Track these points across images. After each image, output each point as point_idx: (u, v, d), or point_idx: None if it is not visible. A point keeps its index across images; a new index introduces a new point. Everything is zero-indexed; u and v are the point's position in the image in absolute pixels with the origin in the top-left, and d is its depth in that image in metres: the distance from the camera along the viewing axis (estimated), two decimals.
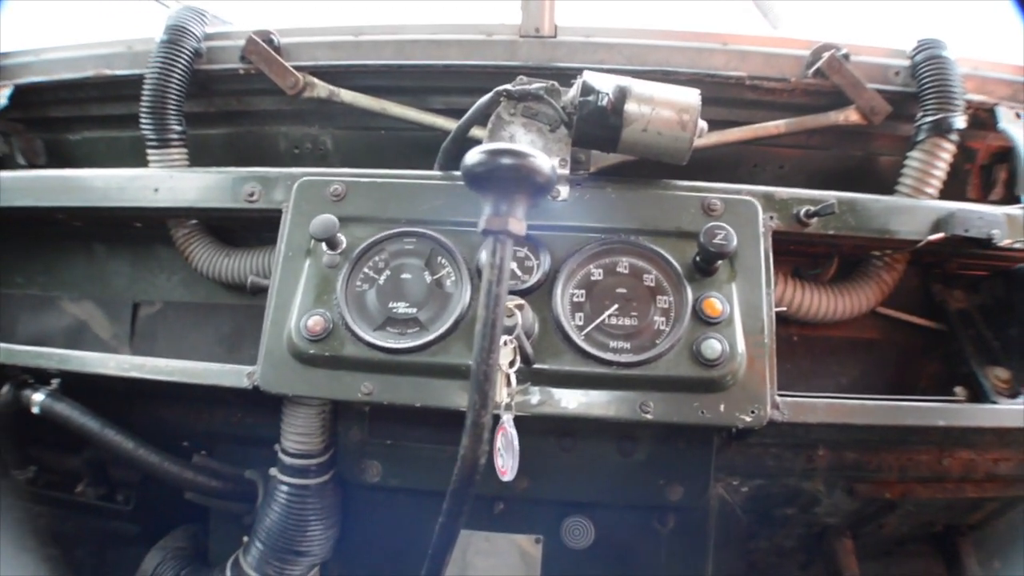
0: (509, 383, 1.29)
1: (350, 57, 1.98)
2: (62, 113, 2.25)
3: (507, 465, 1.32)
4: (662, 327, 1.45)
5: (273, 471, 1.72)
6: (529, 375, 1.42)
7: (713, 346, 1.39)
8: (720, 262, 1.47)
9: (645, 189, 1.59)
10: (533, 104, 1.61)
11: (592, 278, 1.50)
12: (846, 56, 1.84)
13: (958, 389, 1.72)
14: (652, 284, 1.48)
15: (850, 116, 1.86)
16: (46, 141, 2.33)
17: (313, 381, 1.48)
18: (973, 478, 1.85)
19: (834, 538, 2.10)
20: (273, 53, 1.94)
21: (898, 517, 2.01)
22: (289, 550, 1.69)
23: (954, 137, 1.75)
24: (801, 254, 1.82)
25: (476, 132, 1.73)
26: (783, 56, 1.89)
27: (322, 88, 1.95)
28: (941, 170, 1.76)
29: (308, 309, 1.49)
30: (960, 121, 1.74)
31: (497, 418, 1.31)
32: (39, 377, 1.77)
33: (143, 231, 2.07)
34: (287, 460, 1.68)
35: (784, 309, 1.74)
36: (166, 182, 1.78)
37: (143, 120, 1.88)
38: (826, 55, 1.83)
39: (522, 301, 1.37)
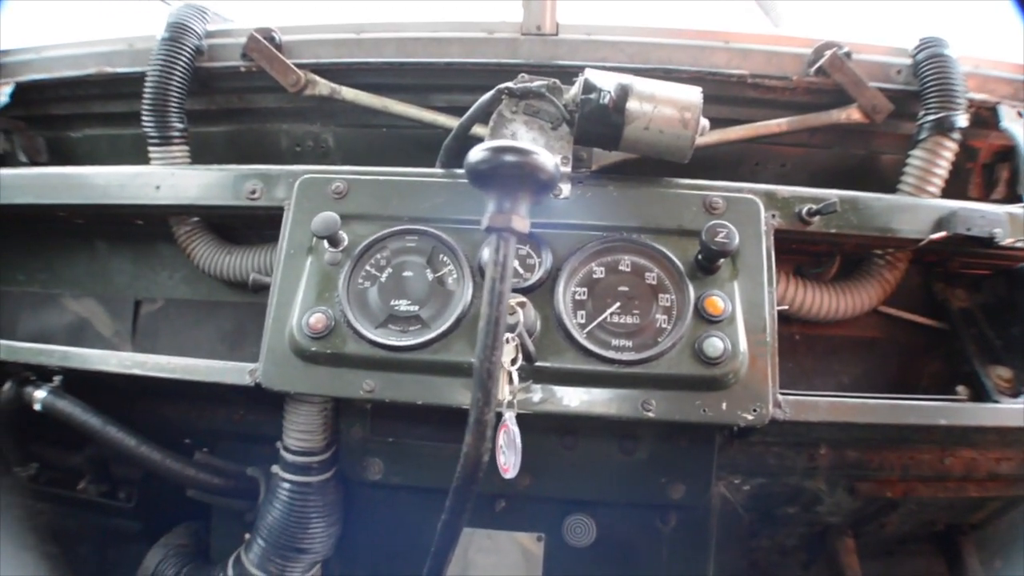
0: (511, 381, 1.28)
1: (352, 55, 1.97)
2: (64, 111, 2.25)
3: (510, 462, 1.32)
4: (664, 325, 1.45)
5: (275, 468, 1.72)
6: (531, 373, 1.42)
7: (715, 344, 1.39)
8: (722, 260, 1.47)
9: (647, 187, 1.59)
10: (535, 102, 1.61)
11: (594, 276, 1.50)
12: (848, 54, 1.84)
13: (960, 388, 1.72)
14: (654, 282, 1.48)
15: (852, 114, 1.85)
16: (48, 139, 2.33)
17: (315, 378, 1.48)
18: (975, 477, 1.85)
19: (836, 537, 2.10)
20: (274, 51, 1.94)
21: (900, 516, 2.01)
22: (291, 547, 1.70)
23: (956, 136, 1.75)
24: (803, 253, 1.82)
25: (478, 130, 1.73)
26: (785, 54, 1.89)
27: (324, 86, 1.95)
28: (943, 169, 1.75)
29: (310, 306, 1.49)
30: (962, 120, 1.74)
31: (499, 416, 1.31)
32: (41, 374, 1.77)
33: (145, 228, 2.07)
34: (289, 457, 1.68)
35: (786, 308, 1.74)
36: (168, 180, 1.78)
37: (145, 118, 1.88)
38: (828, 53, 1.83)
39: (524, 299, 1.37)
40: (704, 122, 1.51)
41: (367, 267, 1.52)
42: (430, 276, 1.51)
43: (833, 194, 1.59)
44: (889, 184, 1.82)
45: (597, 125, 1.50)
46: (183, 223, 1.94)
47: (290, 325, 1.49)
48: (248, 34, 1.94)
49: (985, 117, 1.87)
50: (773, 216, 1.57)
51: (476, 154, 1.00)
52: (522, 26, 1.93)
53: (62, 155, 2.33)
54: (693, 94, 1.49)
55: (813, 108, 1.89)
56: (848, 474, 1.86)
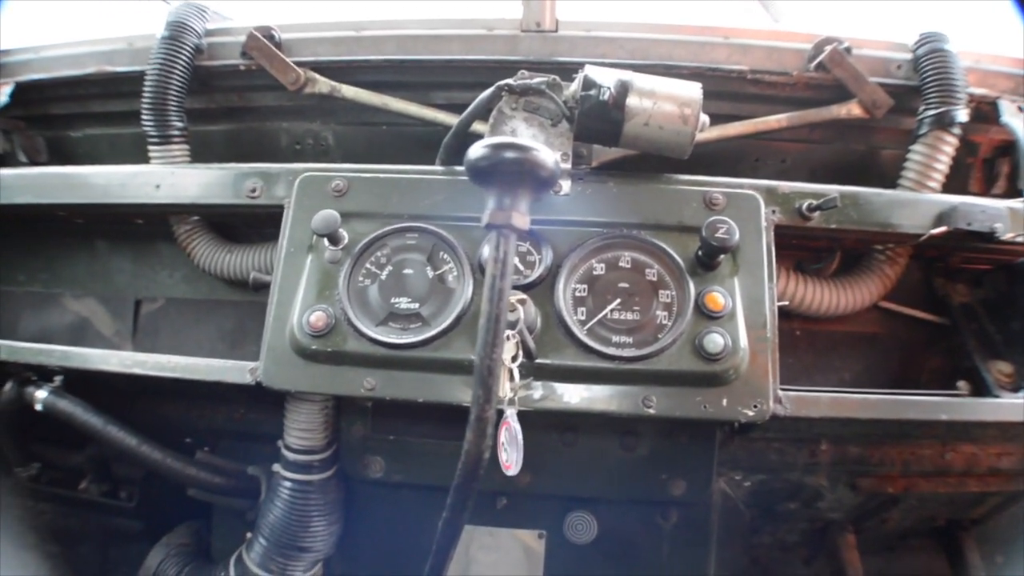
0: (512, 378, 1.28)
1: (351, 53, 1.97)
2: (63, 110, 2.25)
3: (512, 459, 1.32)
4: (664, 321, 1.45)
5: (276, 467, 1.72)
6: (531, 370, 1.42)
7: (715, 340, 1.39)
8: (722, 256, 1.46)
9: (647, 183, 1.58)
10: (535, 99, 1.61)
11: (594, 273, 1.49)
12: (848, 50, 1.83)
13: (961, 383, 1.71)
14: (654, 278, 1.48)
15: (852, 110, 1.85)
16: (47, 138, 2.33)
17: (316, 377, 1.48)
18: (976, 472, 1.85)
19: (837, 533, 2.10)
20: (274, 49, 1.93)
21: (901, 512, 2.01)
22: (292, 546, 1.70)
23: (956, 131, 1.74)
24: (803, 248, 1.82)
25: (478, 127, 1.72)
26: (785, 50, 1.89)
27: (323, 84, 1.95)
28: (943, 164, 1.75)
29: (310, 305, 1.49)
30: (962, 115, 1.74)
31: (501, 413, 1.30)
32: (42, 374, 1.77)
33: (145, 228, 2.07)
34: (290, 456, 1.69)
35: (786, 303, 1.74)
36: (167, 179, 1.78)
37: (144, 117, 1.88)
38: (828, 49, 1.82)
39: (524, 296, 1.37)
40: (704, 118, 1.51)
41: (367, 265, 1.52)
42: (430, 274, 1.51)
43: (833, 190, 1.59)
44: (889, 179, 1.82)
45: (597, 121, 1.50)
46: (183, 222, 1.94)
47: (291, 323, 1.49)
48: (247, 32, 1.94)
49: (985, 112, 1.87)
50: (773, 212, 1.57)
51: (476, 151, 0.99)
52: (522, 23, 1.92)
53: (62, 155, 2.33)
54: (693, 90, 1.49)
55: (813, 104, 1.89)
56: (849, 470, 1.86)
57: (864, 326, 1.95)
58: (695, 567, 1.83)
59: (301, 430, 1.67)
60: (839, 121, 1.87)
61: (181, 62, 1.89)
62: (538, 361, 1.41)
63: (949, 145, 1.75)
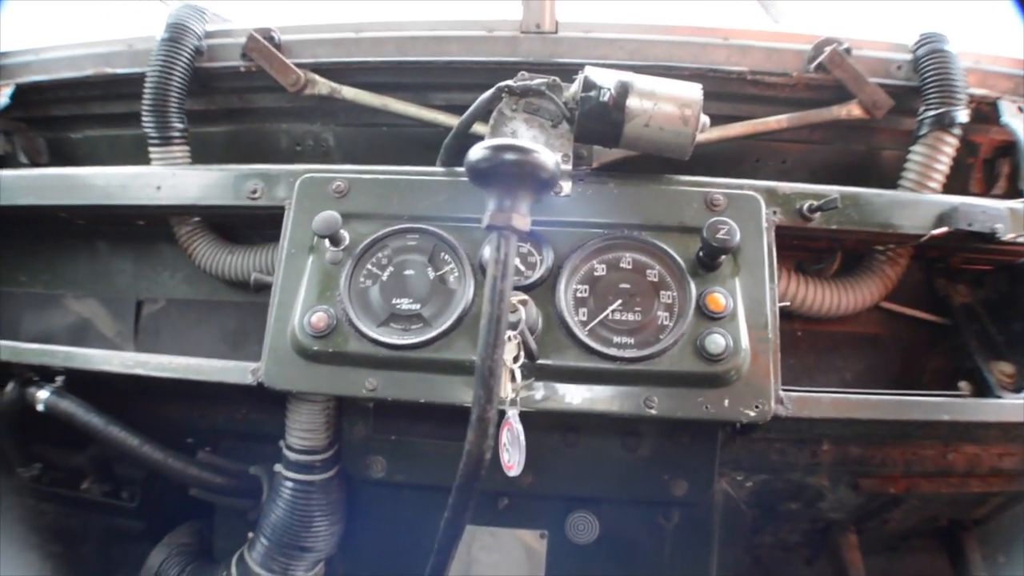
0: (513, 378, 1.29)
1: (351, 54, 1.97)
2: (64, 112, 2.25)
3: (514, 460, 1.32)
4: (665, 322, 1.45)
5: (278, 467, 1.73)
6: (533, 371, 1.42)
7: (717, 341, 1.39)
8: (723, 257, 1.46)
9: (647, 184, 1.59)
10: (535, 100, 1.61)
11: (595, 273, 1.50)
12: (848, 50, 1.83)
13: (962, 384, 1.72)
14: (655, 279, 1.48)
15: (852, 110, 1.85)
16: (48, 140, 2.34)
17: (317, 377, 1.48)
18: (977, 473, 1.85)
19: (839, 533, 2.11)
20: (274, 50, 1.94)
21: (903, 512, 2.01)
22: (294, 546, 1.70)
23: (957, 131, 1.74)
24: (804, 249, 1.82)
25: (478, 128, 1.73)
26: (785, 51, 1.89)
27: (323, 85, 1.95)
28: (944, 164, 1.75)
29: (312, 305, 1.49)
30: (963, 115, 1.74)
31: (502, 413, 1.31)
32: (43, 375, 1.78)
33: (146, 229, 2.08)
34: (292, 456, 1.69)
35: (787, 304, 1.74)
36: (168, 180, 1.78)
37: (145, 118, 1.88)
38: (828, 49, 1.82)
39: (525, 297, 1.37)
40: (704, 119, 1.51)
41: (368, 266, 1.52)
42: (431, 274, 1.51)
43: (834, 190, 1.59)
44: (890, 180, 1.82)
45: (597, 122, 1.50)
46: (184, 223, 1.94)
47: (292, 324, 1.49)
48: (247, 34, 1.94)
49: (986, 112, 1.87)
50: (774, 212, 1.57)
51: (476, 152, 0.99)
52: (522, 24, 1.93)
53: (63, 156, 2.33)
54: (693, 91, 1.49)
55: (813, 104, 1.89)
56: (851, 470, 1.86)
57: (865, 327, 1.95)
58: (697, 567, 1.83)
59: (303, 430, 1.68)
60: (839, 122, 1.87)
61: (181, 64, 1.89)
62: (540, 362, 1.42)
63: (949, 146, 1.75)
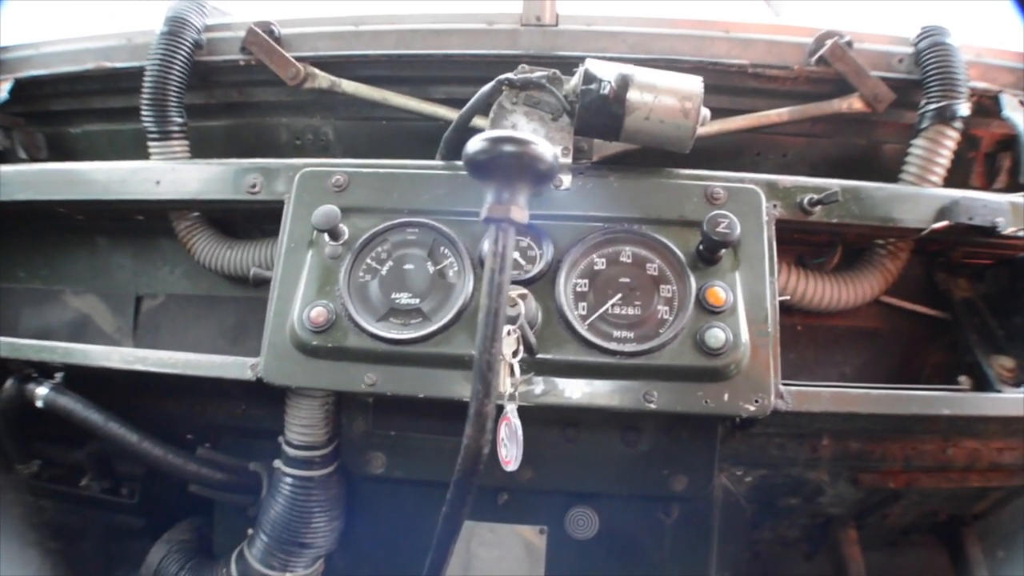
0: (512, 373, 1.28)
1: (351, 47, 1.96)
2: (63, 106, 2.25)
3: (511, 455, 1.31)
4: (665, 316, 1.44)
5: (277, 463, 1.73)
6: (533, 365, 1.41)
7: (717, 335, 1.39)
8: (723, 251, 1.46)
9: (648, 178, 1.58)
10: (535, 93, 1.60)
11: (595, 267, 1.49)
12: (849, 43, 1.83)
13: (962, 378, 1.71)
14: (655, 273, 1.48)
15: (853, 104, 1.84)
16: (47, 135, 2.33)
17: (316, 372, 1.48)
18: (977, 467, 1.85)
19: (838, 528, 2.10)
20: (273, 44, 1.93)
21: (902, 507, 2.01)
22: (294, 542, 1.70)
23: (958, 125, 1.74)
24: (804, 243, 1.81)
25: (478, 122, 1.72)
26: (786, 44, 1.88)
27: (323, 79, 1.94)
28: (945, 158, 1.74)
29: (311, 300, 1.49)
30: (964, 109, 1.73)
31: (501, 408, 1.30)
32: (43, 371, 1.78)
33: (145, 224, 2.07)
34: (291, 452, 1.69)
35: (788, 298, 1.73)
36: (168, 174, 1.78)
37: (144, 112, 1.88)
38: (829, 43, 1.82)
39: (525, 291, 1.36)
40: (705, 112, 1.50)
41: (368, 260, 1.52)
42: (431, 269, 1.50)
43: (835, 184, 1.59)
44: (891, 174, 1.81)
45: (598, 115, 1.49)
46: (183, 218, 1.94)
47: (291, 319, 1.49)
48: (247, 28, 1.93)
49: (987, 106, 1.86)
50: (774, 206, 1.57)
51: (474, 145, 0.99)
52: (522, 17, 1.92)
53: (62, 151, 2.33)
54: (694, 84, 1.48)
55: (814, 98, 1.88)
56: (850, 465, 1.86)
57: (865, 321, 1.95)
58: (696, 562, 1.84)
59: (302, 426, 1.67)
60: (840, 115, 1.87)
61: (180, 58, 1.88)
62: (539, 356, 1.41)
63: (950, 139, 1.74)
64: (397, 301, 1.48)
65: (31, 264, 2.23)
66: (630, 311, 1.45)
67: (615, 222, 1.52)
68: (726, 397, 1.40)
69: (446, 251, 1.52)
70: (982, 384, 1.70)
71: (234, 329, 2.11)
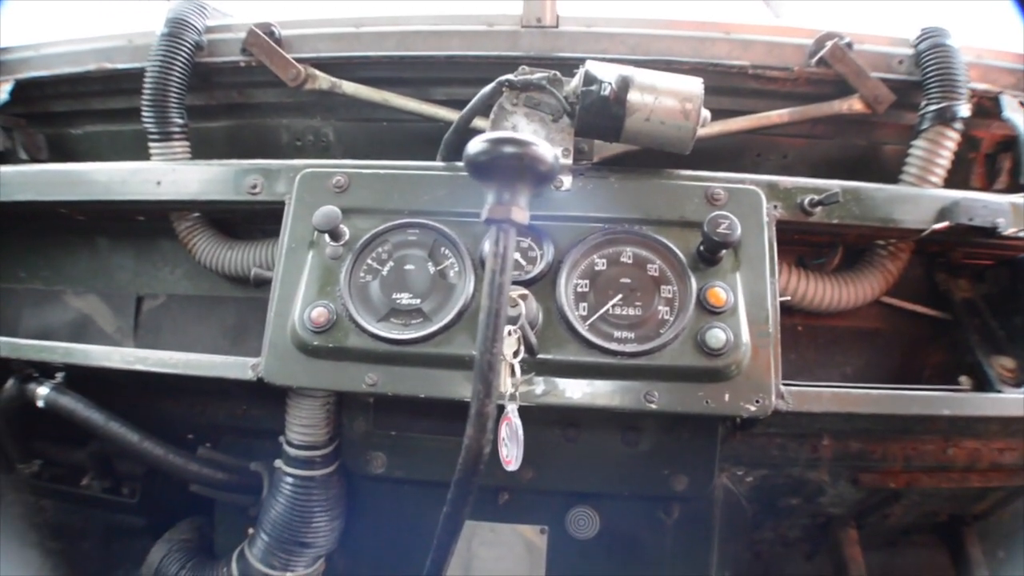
0: (513, 373, 1.28)
1: (351, 49, 1.97)
2: (64, 107, 2.25)
3: (512, 455, 1.32)
4: (666, 317, 1.45)
5: (278, 463, 1.73)
6: (533, 365, 1.42)
7: (717, 335, 1.39)
8: (724, 251, 1.46)
9: (648, 179, 1.58)
10: (535, 94, 1.60)
11: (596, 268, 1.49)
12: (849, 45, 1.83)
13: (963, 378, 1.71)
14: (656, 274, 1.48)
15: (854, 105, 1.85)
16: (48, 136, 2.33)
17: (317, 372, 1.48)
18: (978, 468, 1.86)
19: (839, 528, 2.10)
20: (274, 45, 1.93)
21: (903, 507, 2.01)
22: (294, 542, 1.70)
23: (958, 126, 1.74)
24: (805, 243, 1.82)
25: (478, 123, 1.72)
26: (786, 45, 1.88)
27: (324, 80, 1.95)
28: (945, 159, 1.75)
29: (312, 301, 1.49)
30: (964, 110, 1.73)
31: (501, 408, 1.30)
32: (43, 371, 1.78)
33: (146, 224, 2.07)
34: (292, 452, 1.69)
35: (788, 299, 1.73)
36: (168, 175, 1.78)
37: (145, 113, 1.88)
38: (829, 44, 1.82)
39: (526, 291, 1.37)
40: (705, 113, 1.50)
41: (368, 261, 1.52)
42: (432, 269, 1.50)
43: (835, 185, 1.59)
44: (891, 175, 1.81)
45: (598, 117, 1.49)
46: (184, 219, 1.94)
47: (292, 319, 1.49)
48: (248, 29, 1.93)
49: (987, 107, 1.86)
50: (775, 207, 1.57)
51: (475, 146, 0.99)
52: (522, 18, 1.92)
53: (63, 152, 2.33)
54: (694, 85, 1.48)
55: (815, 99, 1.88)
56: (851, 465, 1.86)
57: (866, 321, 1.95)
58: (697, 562, 1.84)
59: (303, 426, 1.68)
60: (841, 116, 1.87)
61: (181, 59, 1.89)
62: (540, 356, 1.41)
63: (951, 140, 1.74)
64: (398, 301, 1.48)
65: (32, 264, 2.24)
66: (631, 311, 1.45)
67: (616, 223, 1.52)
68: (727, 397, 1.40)
69: (447, 252, 1.52)
70: (983, 384, 1.70)
71: (235, 329, 2.11)
